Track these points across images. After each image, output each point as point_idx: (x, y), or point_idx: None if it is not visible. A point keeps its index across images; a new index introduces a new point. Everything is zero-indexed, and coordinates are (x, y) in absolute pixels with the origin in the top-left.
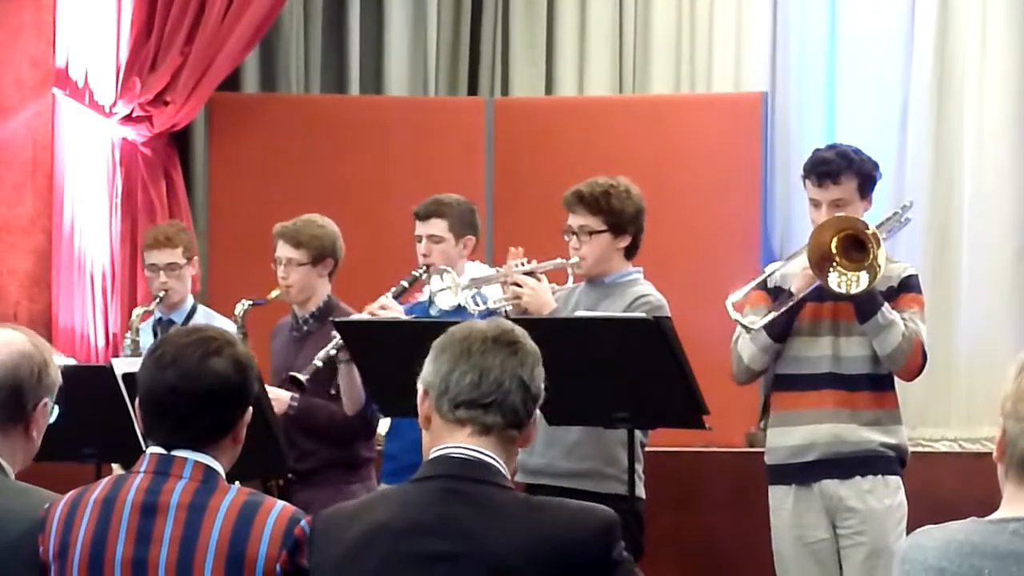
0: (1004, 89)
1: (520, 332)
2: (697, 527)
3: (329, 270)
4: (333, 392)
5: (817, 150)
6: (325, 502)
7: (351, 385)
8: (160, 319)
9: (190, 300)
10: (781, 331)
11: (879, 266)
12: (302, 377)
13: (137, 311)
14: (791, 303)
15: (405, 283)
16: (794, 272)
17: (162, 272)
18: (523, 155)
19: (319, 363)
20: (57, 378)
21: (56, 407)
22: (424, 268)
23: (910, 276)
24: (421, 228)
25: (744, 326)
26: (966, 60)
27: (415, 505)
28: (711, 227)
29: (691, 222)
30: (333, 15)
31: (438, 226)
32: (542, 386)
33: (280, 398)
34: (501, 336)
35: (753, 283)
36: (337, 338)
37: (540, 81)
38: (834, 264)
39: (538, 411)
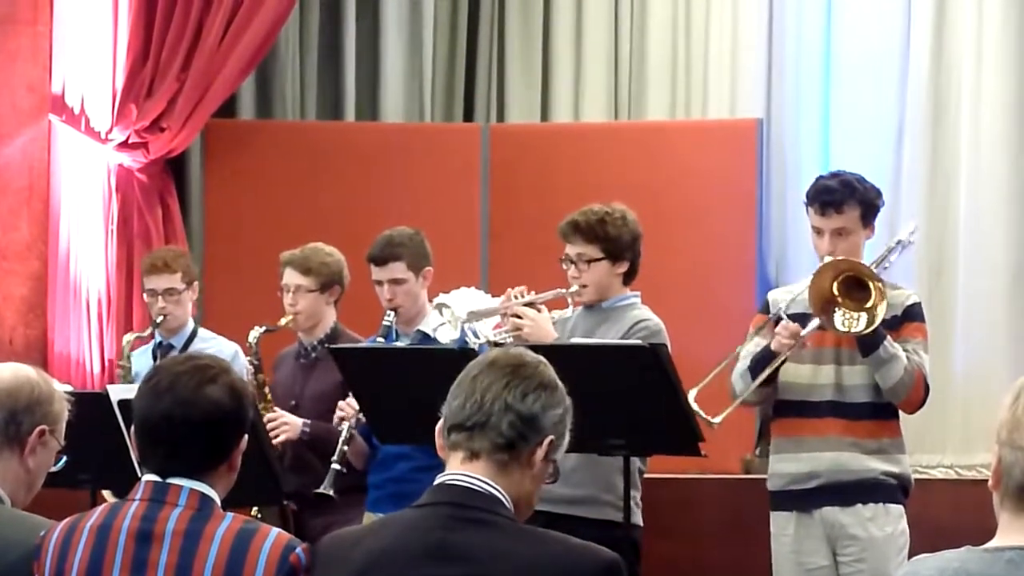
0: (1000, 112)
1: (531, 360)
2: (692, 554)
3: (336, 297)
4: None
5: (820, 177)
6: (342, 526)
7: (359, 452)
8: (160, 343)
9: (190, 324)
10: (767, 380)
11: (878, 314)
12: (329, 492)
13: (128, 338)
14: (774, 364)
15: (381, 338)
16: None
17: (160, 297)
18: (519, 181)
19: (337, 467)
20: (62, 414)
21: (64, 458)
22: (393, 313)
23: (913, 304)
24: (380, 273)
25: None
26: (961, 82)
27: (417, 530)
28: (706, 253)
29: (686, 248)
30: (329, 41)
31: (398, 269)
32: (545, 412)
33: (293, 423)
34: (499, 360)
35: (754, 333)
36: (345, 431)
37: (536, 107)
38: (838, 305)
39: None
